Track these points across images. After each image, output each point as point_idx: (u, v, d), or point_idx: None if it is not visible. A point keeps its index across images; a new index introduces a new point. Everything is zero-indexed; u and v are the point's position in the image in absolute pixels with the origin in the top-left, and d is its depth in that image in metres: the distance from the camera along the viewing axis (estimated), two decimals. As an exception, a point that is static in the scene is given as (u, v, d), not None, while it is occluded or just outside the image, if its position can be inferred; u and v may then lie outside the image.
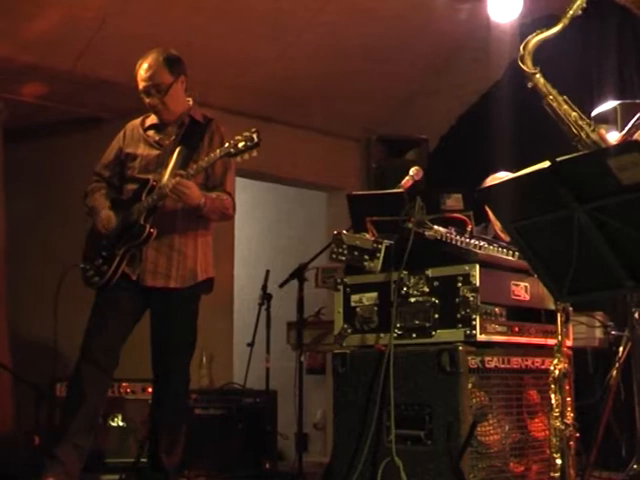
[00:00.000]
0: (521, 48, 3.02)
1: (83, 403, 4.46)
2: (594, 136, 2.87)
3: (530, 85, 3.03)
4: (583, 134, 2.85)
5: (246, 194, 7.85)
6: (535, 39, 3.03)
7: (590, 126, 2.92)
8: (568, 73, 5.82)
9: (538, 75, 2.97)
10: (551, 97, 2.93)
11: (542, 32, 3.07)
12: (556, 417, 3.40)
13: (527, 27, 6.72)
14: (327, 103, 7.48)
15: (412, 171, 4.50)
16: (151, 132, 4.76)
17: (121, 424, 5.62)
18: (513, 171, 2.56)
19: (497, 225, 5.07)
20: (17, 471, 5.30)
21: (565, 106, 2.91)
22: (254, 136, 4.42)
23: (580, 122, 2.88)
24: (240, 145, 4.41)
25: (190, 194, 4.48)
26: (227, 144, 4.45)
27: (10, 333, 6.83)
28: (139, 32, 5.88)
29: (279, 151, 7.05)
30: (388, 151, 6.18)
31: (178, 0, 6.10)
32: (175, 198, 4.50)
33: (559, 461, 3.32)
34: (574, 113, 2.88)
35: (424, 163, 5.83)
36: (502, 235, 4.81)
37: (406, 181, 4.46)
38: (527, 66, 2.98)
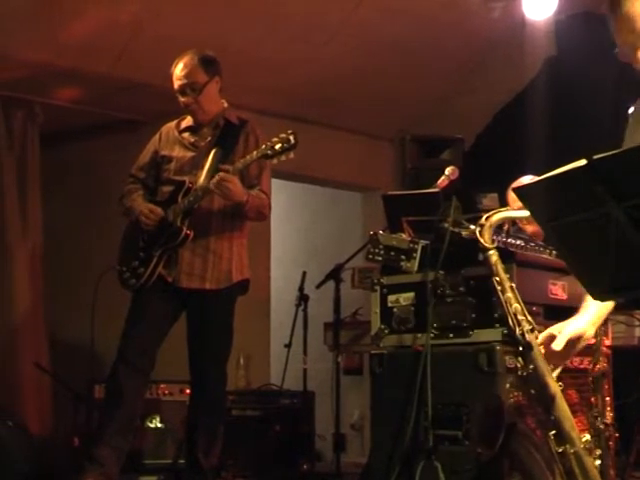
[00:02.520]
0: (484, 219, 2.73)
1: (121, 405, 4.49)
2: (529, 337, 2.57)
3: (480, 258, 2.77)
4: (518, 331, 2.56)
5: (281, 195, 7.86)
6: (501, 215, 2.77)
7: (530, 324, 2.61)
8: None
9: (492, 252, 2.70)
10: (498, 279, 2.66)
11: (512, 210, 2.80)
12: (595, 417, 3.37)
13: (562, 24, 6.69)
14: (361, 103, 7.47)
15: (448, 171, 4.48)
16: (186, 134, 4.77)
17: (159, 425, 5.64)
18: (546, 170, 2.52)
19: (522, 221, 5.00)
20: (56, 472, 5.34)
21: (510, 294, 2.62)
22: (291, 137, 4.40)
23: (520, 317, 2.57)
24: (277, 147, 4.40)
25: (235, 190, 4.46)
26: (264, 146, 4.44)
27: (49, 336, 6.88)
28: (174, 35, 5.90)
29: (313, 152, 7.03)
30: (423, 151, 6.14)
31: (212, 3, 6.11)
32: (219, 194, 4.48)
33: (598, 461, 3.29)
34: (516, 305, 2.59)
35: (459, 163, 5.79)
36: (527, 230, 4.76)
37: (442, 181, 4.43)
38: (485, 240, 2.71)
